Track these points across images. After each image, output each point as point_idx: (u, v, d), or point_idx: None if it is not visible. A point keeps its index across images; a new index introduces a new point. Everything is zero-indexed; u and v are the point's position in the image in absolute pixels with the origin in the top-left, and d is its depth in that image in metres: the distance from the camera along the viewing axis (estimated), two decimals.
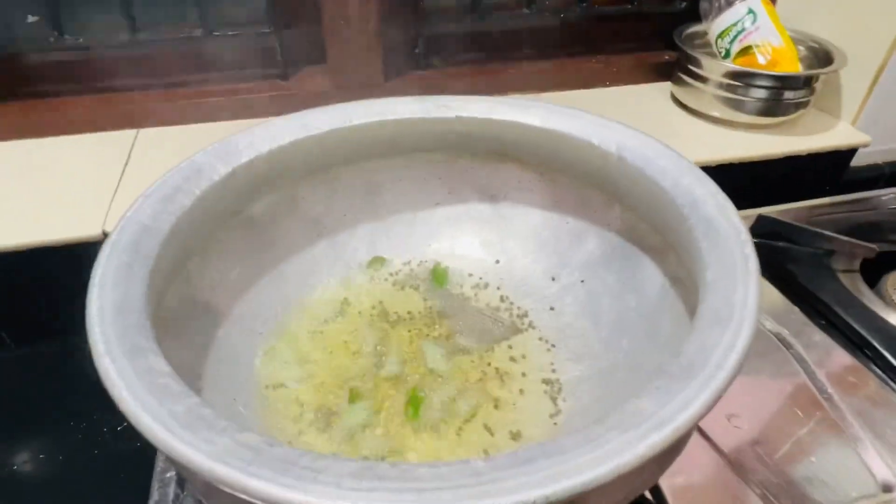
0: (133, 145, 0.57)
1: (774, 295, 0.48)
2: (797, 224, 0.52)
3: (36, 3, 0.54)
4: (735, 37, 0.60)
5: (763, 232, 0.53)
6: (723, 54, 0.62)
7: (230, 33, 0.59)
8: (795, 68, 0.59)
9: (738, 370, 0.22)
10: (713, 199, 0.29)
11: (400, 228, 0.43)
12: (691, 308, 0.30)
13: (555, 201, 0.41)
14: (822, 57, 0.61)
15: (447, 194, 0.43)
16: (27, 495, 0.41)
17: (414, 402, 0.34)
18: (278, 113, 0.36)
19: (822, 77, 0.60)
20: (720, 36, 0.62)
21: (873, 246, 0.49)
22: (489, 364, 0.37)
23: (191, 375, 0.30)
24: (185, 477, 0.34)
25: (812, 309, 0.47)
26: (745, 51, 0.60)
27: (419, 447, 0.32)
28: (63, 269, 0.46)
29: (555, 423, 0.34)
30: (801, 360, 0.42)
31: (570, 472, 0.19)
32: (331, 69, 0.61)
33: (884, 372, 0.42)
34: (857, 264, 0.50)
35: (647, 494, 0.35)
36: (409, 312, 0.40)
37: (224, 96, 0.60)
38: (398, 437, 0.33)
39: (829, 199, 0.59)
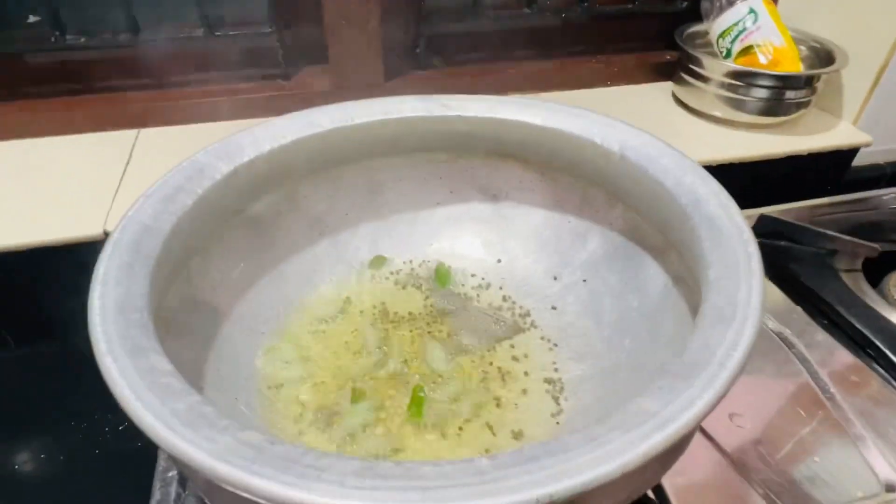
0: (134, 145, 0.57)
1: (777, 294, 0.48)
2: (799, 224, 0.52)
3: (36, 3, 0.54)
4: (736, 36, 0.60)
5: (765, 231, 0.53)
6: (724, 54, 0.62)
7: (231, 33, 0.59)
8: (797, 68, 0.59)
9: (742, 369, 0.22)
10: (716, 198, 0.29)
11: (402, 228, 0.43)
12: (694, 307, 0.30)
13: (556, 201, 0.41)
14: (823, 57, 0.61)
15: (449, 194, 0.43)
16: (28, 495, 0.41)
17: (416, 402, 0.34)
18: (279, 113, 0.36)
19: (823, 77, 0.59)
20: (721, 35, 0.62)
21: (876, 245, 0.49)
22: (491, 363, 0.37)
23: (192, 375, 0.30)
24: (187, 476, 0.34)
25: (814, 308, 0.47)
26: (747, 50, 0.60)
27: (420, 447, 0.32)
28: (64, 268, 0.46)
29: (557, 423, 0.33)
30: (803, 360, 0.42)
31: (573, 471, 0.18)
32: (331, 69, 0.61)
33: (886, 371, 0.42)
34: (859, 264, 0.50)
35: (650, 493, 0.35)
36: (410, 312, 0.40)
37: (225, 96, 0.60)
38: (399, 436, 0.33)
39: (831, 198, 0.59)
